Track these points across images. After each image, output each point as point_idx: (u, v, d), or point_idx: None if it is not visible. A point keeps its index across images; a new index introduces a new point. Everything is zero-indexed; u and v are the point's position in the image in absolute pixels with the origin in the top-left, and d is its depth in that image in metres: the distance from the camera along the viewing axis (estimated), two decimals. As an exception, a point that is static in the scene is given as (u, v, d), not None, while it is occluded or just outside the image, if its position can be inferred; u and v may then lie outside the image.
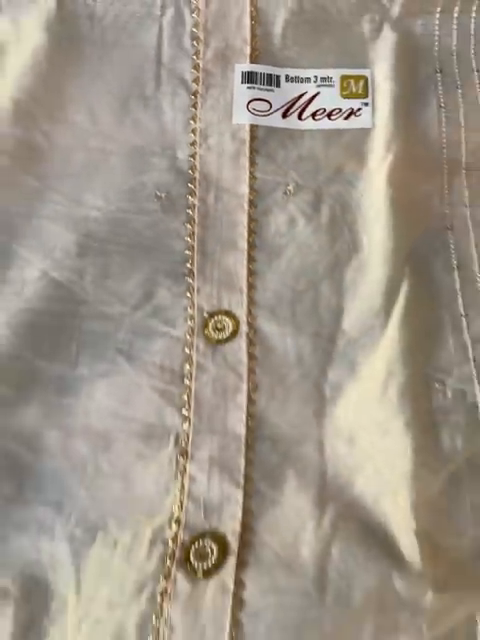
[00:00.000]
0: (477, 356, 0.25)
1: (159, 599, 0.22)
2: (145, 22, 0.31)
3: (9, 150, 0.28)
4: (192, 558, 0.22)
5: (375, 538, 0.22)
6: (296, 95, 0.29)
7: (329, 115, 0.29)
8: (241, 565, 0.22)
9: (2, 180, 0.28)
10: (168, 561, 0.23)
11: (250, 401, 0.25)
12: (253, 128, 0.29)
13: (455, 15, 0.32)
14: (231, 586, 0.21)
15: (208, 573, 0.22)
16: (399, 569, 0.21)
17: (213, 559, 0.22)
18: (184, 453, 0.25)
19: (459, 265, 0.26)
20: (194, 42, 0.31)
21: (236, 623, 0.21)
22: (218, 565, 0.22)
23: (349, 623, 0.21)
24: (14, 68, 0.30)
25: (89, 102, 0.29)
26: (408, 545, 0.22)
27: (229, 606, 0.21)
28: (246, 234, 0.27)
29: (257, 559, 0.23)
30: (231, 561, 0.22)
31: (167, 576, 0.22)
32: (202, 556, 0.23)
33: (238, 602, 0.21)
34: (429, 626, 0.22)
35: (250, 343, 0.26)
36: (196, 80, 0.30)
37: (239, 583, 0.21)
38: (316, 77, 0.30)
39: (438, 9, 0.32)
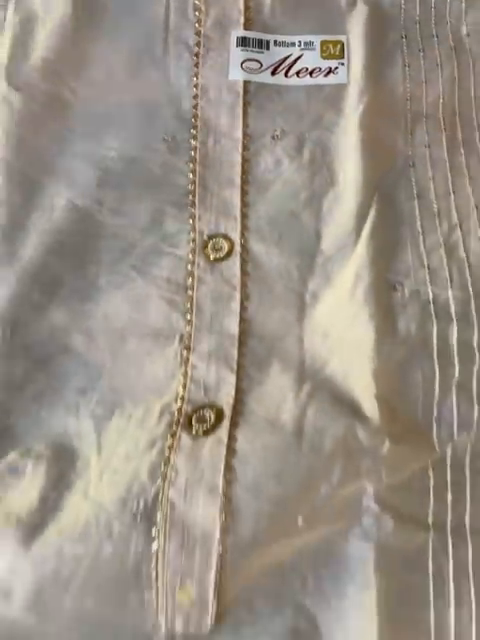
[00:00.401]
0: (430, 264, 0.28)
1: (167, 452, 0.26)
2: None
3: (40, 101, 0.32)
4: (194, 422, 0.27)
5: (343, 402, 0.26)
6: (283, 57, 0.33)
7: (311, 73, 0.33)
8: (233, 425, 0.26)
9: (34, 125, 0.32)
10: (174, 425, 0.27)
11: (242, 307, 0.29)
12: (246, 83, 0.33)
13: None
14: (225, 440, 0.25)
15: (206, 432, 0.26)
16: (362, 423, 0.25)
17: (210, 422, 0.27)
18: (187, 348, 0.29)
19: (419, 194, 0.30)
20: (196, 12, 0.35)
21: (229, 467, 0.25)
22: (214, 426, 0.26)
23: (321, 467, 0.24)
24: (44, 33, 0.34)
25: (107, 62, 0.33)
26: (369, 406, 0.26)
27: (223, 454, 0.25)
28: (240, 171, 0.31)
29: (246, 421, 0.27)
30: (225, 423, 0.27)
31: (173, 435, 0.27)
32: (202, 421, 0.27)
33: (231, 451, 0.25)
34: (387, 473, 0.26)
35: (243, 261, 0.30)
36: (197, 44, 0.34)
37: (231, 438, 0.26)
38: (300, 42, 0.34)
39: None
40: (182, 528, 0.25)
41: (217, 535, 0.24)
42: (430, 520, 0.25)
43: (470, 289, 0.28)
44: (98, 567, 0.24)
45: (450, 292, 0.28)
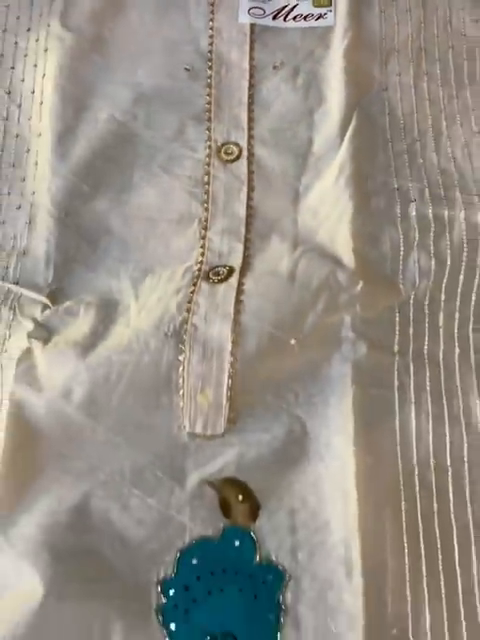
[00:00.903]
0: (396, 164, 0.35)
1: (190, 296, 0.32)
2: None
3: (87, 38, 0.39)
4: (211, 275, 0.33)
5: (327, 256, 0.32)
6: (282, 5, 0.40)
7: (305, 18, 0.39)
8: (242, 276, 0.33)
9: (82, 58, 0.38)
10: (195, 279, 0.33)
11: (248, 197, 0.36)
12: (252, 26, 0.39)
13: None
14: (235, 285, 0.32)
15: (221, 281, 0.32)
16: (342, 269, 0.32)
17: (224, 275, 0.33)
18: (204, 228, 0.36)
19: (389, 112, 0.37)
20: None
21: (238, 301, 0.31)
22: (227, 277, 0.33)
23: (309, 299, 0.31)
24: None
25: (139, 8, 0.40)
26: (348, 258, 0.32)
27: (234, 293, 0.31)
28: (247, 94, 0.38)
29: (252, 273, 0.33)
30: (235, 275, 0.33)
31: (195, 284, 0.33)
32: (217, 274, 0.33)
33: (240, 291, 0.31)
34: (362, 308, 0.32)
35: (249, 162, 0.37)
36: None
37: (240, 283, 0.32)
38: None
39: None
40: (203, 343, 0.31)
41: (229, 347, 0.30)
42: (396, 348, 0.31)
43: (425, 181, 0.34)
44: (139, 371, 0.30)
45: (410, 184, 0.35)
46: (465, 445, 0.29)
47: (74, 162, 0.36)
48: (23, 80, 0.38)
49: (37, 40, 0.39)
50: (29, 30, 0.39)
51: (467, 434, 0.30)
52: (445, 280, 0.32)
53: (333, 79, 0.37)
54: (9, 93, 0.38)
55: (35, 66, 0.38)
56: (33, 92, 0.38)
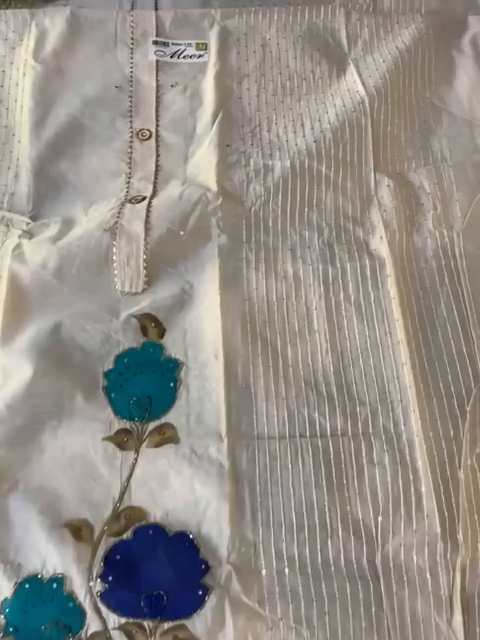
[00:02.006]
0: (244, 139, 0.52)
1: (119, 209, 0.47)
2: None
3: (51, 67, 0.54)
4: (132, 200, 0.48)
5: (202, 186, 0.49)
6: (176, 49, 0.56)
7: (190, 57, 0.56)
8: (151, 199, 0.48)
9: (47, 78, 0.54)
10: (122, 202, 0.48)
11: (157, 160, 0.52)
12: (157, 61, 0.56)
13: None
14: (146, 203, 0.47)
15: (138, 202, 0.48)
16: (209, 192, 0.48)
17: (140, 199, 0.48)
18: (128, 177, 0.51)
19: (241, 110, 0.53)
20: (131, 30, 0.57)
21: (148, 211, 0.47)
22: (142, 200, 0.48)
23: (190, 209, 0.47)
24: (52, 40, 0.56)
25: (84, 50, 0.55)
26: (213, 186, 0.49)
27: (146, 206, 0.47)
28: (155, 101, 0.54)
29: (157, 197, 0.48)
30: (147, 199, 0.48)
31: (122, 205, 0.48)
32: (136, 199, 0.48)
33: (149, 205, 0.47)
34: (222, 214, 0.48)
35: (157, 140, 0.53)
36: (133, 43, 0.56)
37: (149, 203, 0.48)
38: (185, 43, 0.56)
39: None
40: (127, 234, 0.46)
41: (143, 236, 0.46)
42: (243, 238, 0.47)
43: (260, 148, 0.51)
44: (88, 251, 0.45)
45: (251, 149, 0.51)
46: (280, 289, 0.46)
47: (44, 140, 0.52)
48: (9, 93, 0.54)
49: (18, 69, 0.55)
50: (12, 63, 0.55)
51: (278, 281, 0.46)
52: (271, 200, 0.49)
53: (208, 91, 0.54)
54: (1, 101, 0.54)
55: (17, 84, 0.54)
56: (16, 100, 0.54)
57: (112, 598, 0.36)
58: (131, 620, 0.37)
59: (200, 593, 0.36)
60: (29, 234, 0.47)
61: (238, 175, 0.50)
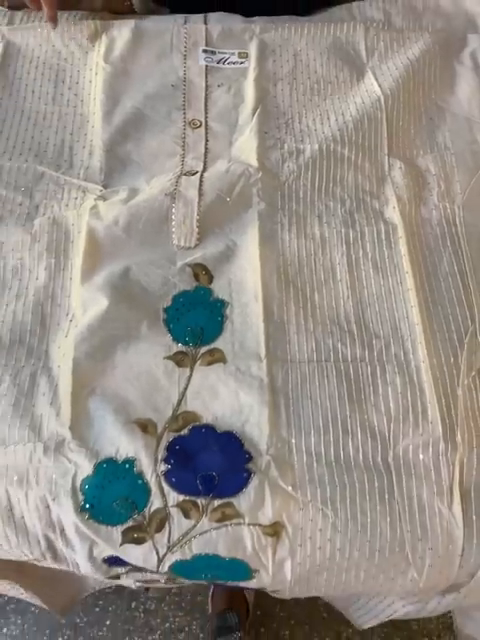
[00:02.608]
0: (279, 128, 0.61)
1: (176, 180, 0.55)
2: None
3: (118, 68, 0.64)
4: (186, 174, 0.57)
5: (245, 164, 0.57)
6: (221, 57, 0.66)
7: (234, 63, 0.65)
8: (202, 173, 0.56)
9: (115, 77, 0.64)
10: (178, 175, 0.57)
11: (206, 144, 0.60)
12: (206, 66, 0.65)
13: None
14: (199, 175, 0.56)
15: (192, 175, 0.56)
16: (251, 168, 0.56)
17: (193, 173, 0.56)
18: (182, 157, 0.60)
19: (276, 106, 0.62)
20: (185, 40, 0.66)
21: (201, 182, 0.55)
22: (195, 174, 0.57)
23: (235, 180, 0.55)
24: (119, 43, 0.67)
25: (146, 56, 0.65)
26: (254, 163, 0.56)
27: (199, 177, 0.55)
28: (204, 98, 0.63)
29: (207, 172, 0.56)
30: (199, 173, 0.57)
31: (178, 177, 0.56)
32: (190, 173, 0.57)
33: (201, 177, 0.55)
34: (261, 185, 0.56)
35: (206, 129, 0.61)
36: (185, 50, 0.65)
37: (202, 175, 0.56)
38: (229, 52, 0.66)
39: None
40: (183, 199, 0.54)
41: (197, 201, 0.54)
42: (279, 206, 0.56)
43: (293, 136, 0.60)
44: (152, 211, 0.54)
45: (285, 136, 0.60)
46: (309, 248, 0.54)
47: (113, 126, 0.61)
48: (83, 89, 0.63)
49: (91, 69, 0.64)
50: (85, 64, 0.65)
51: (307, 241, 0.54)
52: (302, 176, 0.57)
53: (248, 91, 0.63)
54: (76, 95, 0.63)
55: (90, 82, 0.64)
56: (89, 94, 0.63)
57: (173, 477, 0.43)
58: (187, 498, 0.44)
59: (245, 476, 0.43)
60: (102, 198, 0.56)
61: (275, 155, 0.58)
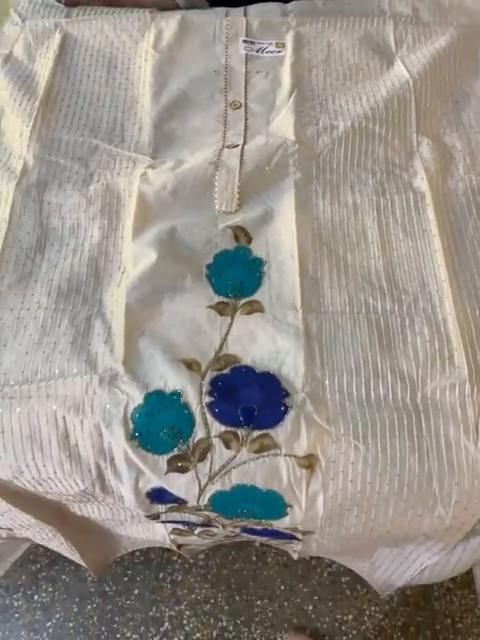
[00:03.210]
0: (314, 108, 0.65)
1: (219, 151, 0.60)
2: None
3: (165, 55, 0.70)
4: (228, 146, 0.61)
5: (282, 137, 0.61)
6: (260, 46, 0.71)
7: (271, 52, 0.71)
8: (243, 145, 0.61)
9: (163, 63, 0.69)
10: (220, 148, 0.61)
11: (245, 122, 0.65)
12: (246, 54, 0.71)
13: None
14: (240, 148, 0.60)
15: (233, 148, 0.61)
16: (288, 141, 0.61)
17: (234, 146, 0.61)
18: (223, 134, 0.64)
19: (311, 89, 0.67)
20: (226, 31, 0.72)
21: (241, 155, 0.60)
22: (236, 146, 0.61)
23: (273, 151, 0.60)
24: (167, 34, 0.73)
25: (191, 44, 0.71)
26: (291, 136, 0.61)
27: (240, 149, 0.60)
28: (244, 82, 0.68)
29: (247, 145, 0.61)
30: (240, 146, 0.61)
31: (221, 150, 0.60)
32: (231, 145, 0.61)
33: (242, 150, 0.60)
34: (297, 156, 0.60)
35: (245, 109, 0.66)
36: (227, 40, 0.71)
37: (242, 148, 0.60)
38: (267, 42, 0.72)
39: None
40: (225, 167, 0.58)
41: (238, 169, 0.59)
42: (314, 174, 0.60)
43: (326, 114, 0.64)
44: (197, 178, 0.58)
45: (319, 115, 0.64)
46: (342, 213, 0.58)
47: (160, 105, 0.66)
48: (134, 73, 0.69)
49: (140, 56, 0.70)
50: (136, 52, 0.71)
51: (341, 207, 0.58)
52: (335, 149, 0.62)
53: (285, 77, 0.69)
54: (127, 79, 0.69)
55: (139, 67, 0.70)
56: (139, 78, 0.69)
57: (217, 407, 0.47)
58: (229, 429, 0.47)
59: (282, 409, 0.47)
60: (151, 167, 0.60)
61: (310, 131, 0.63)
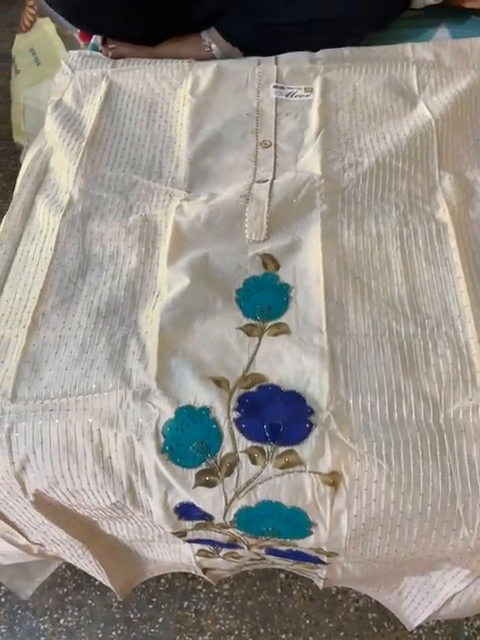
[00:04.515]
0: (339, 147, 0.69)
1: (249, 185, 0.64)
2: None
3: (201, 100, 0.75)
4: (258, 181, 0.65)
5: (309, 173, 0.65)
6: (289, 91, 0.76)
7: (300, 96, 0.75)
8: (272, 181, 0.64)
9: (199, 107, 0.74)
10: (251, 183, 0.65)
11: (274, 160, 0.69)
12: (276, 98, 0.75)
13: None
14: (269, 183, 0.64)
15: (263, 182, 0.64)
16: (316, 176, 0.64)
17: (264, 180, 0.65)
18: (254, 171, 0.68)
19: (337, 129, 0.71)
20: (258, 78, 0.77)
21: (271, 189, 0.63)
22: (265, 182, 0.65)
23: (301, 185, 0.63)
24: (204, 81, 0.79)
25: (225, 90, 0.76)
26: (317, 172, 0.65)
27: (269, 184, 0.64)
28: (274, 124, 0.73)
29: (277, 180, 0.65)
30: (269, 182, 0.64)
31: (251, 184, 0.64)
32: (262, 181, 0.65)
33: (271, 184, 0.64)
34: (324, 190, 0.63)
35: (275, 148, 0.70)
36: (259, 86, 0.76)
37: (272, 182, 0.64)
38: (296, 87, 0.77)
39: None
40: (256, 200, 0.62)
41: (267, 202, 0.62)
42: (339, 207, 0.63)
43: (352, 153, 0.67)
44: (229, 210, 0.62)
45: (345, 153, 0.68)
46: (366, 242, 0.60)
47: (196, 145, 0.71)
48: (172, 116, 0.75)
49: (179, 102, 0.76)
50: (174, 98, 0.77)
51: (365, 236, 0.60)
52: (360, 183, 0.65)
53: (313, 118, 0.73)
54: (166, 121, 0.74)
55: (177, 111, 0.75)
56: (177, 120, 0.74)
57: (243, 423, 0.49)
58: (255, 444, 0.48)
59: (307, 426, 0.48)
60: (186, 200, 0.65)
61: (336, 166, 0.67)
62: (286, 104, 0.75)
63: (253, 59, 0.80)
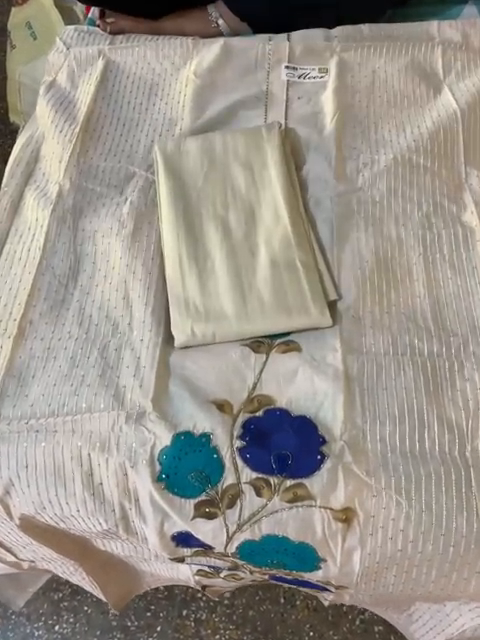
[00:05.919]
0: (356, 137, 0.63)
1: None
2: None
3: (206, 80, 0.69)
4: None
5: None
6: (302, 72, 0.70)
7: (314, 77, 0.69)
8: None
9: (203, 87, 0.68)
10: None
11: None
12: (287, 80, 0.69)
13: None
14: None
15: None
16: (329, 170, 0.58)
17: None
18: None
19: (354, 114, 0.65)
20: (269, 57, 0.71)
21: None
22: None
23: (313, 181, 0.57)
24: (207, 58, 0.71)
25: (232, 70, 0.70)
26: (333, 169, 0.59)
27: None
28: (284, 107, 0.67)
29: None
30: None
31: None
32: None
33: None
34: (336, 190, 0.58)
35: (286, 131, 0.65)
36: (269, 66, 0.70)
37: None
38: (310, 68, 0.70)
39: None
40: None
41: None
42: (354, 208, 0.58)
43: (368, 144, 0.62)
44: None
45: (361, 145, 0.62)
46: (386, 248, 0.55)
47: (199, 123, 0.66)
48: (173, 98, 0.69)
49: (181, 82, 0.70)
50: (177, 79, 0.71)
51: (384, 241, 0.55)
52: (377, 182, 0.59)
53: (327, 102, 0.67)
54: (167, 103, 0.69)
55: (179, 92, 0.69)
56: (179, 102, 0.68)
57: (248, 453, 0.44)
58: (260, 475, 0.44)
59: (318, 458, 0.44)
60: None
61: (350, 166, 0.61)
62: (298, 87, 0.69)
63: (263, 36, 0.73)
